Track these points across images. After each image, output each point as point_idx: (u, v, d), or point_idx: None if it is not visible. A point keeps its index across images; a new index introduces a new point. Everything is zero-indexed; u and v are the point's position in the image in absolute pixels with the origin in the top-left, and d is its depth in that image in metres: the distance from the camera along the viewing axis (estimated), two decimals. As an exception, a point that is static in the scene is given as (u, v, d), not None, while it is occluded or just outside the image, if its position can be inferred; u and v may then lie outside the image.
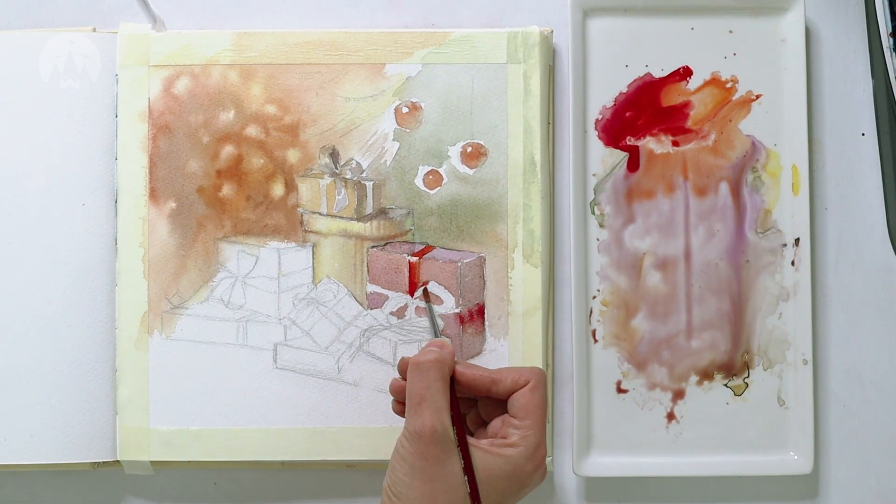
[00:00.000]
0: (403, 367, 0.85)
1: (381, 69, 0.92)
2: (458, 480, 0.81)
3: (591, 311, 0.93)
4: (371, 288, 0.93)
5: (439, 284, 0.92)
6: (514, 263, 0.92)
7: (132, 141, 0.92)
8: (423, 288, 0.91)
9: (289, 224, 0.92)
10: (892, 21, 0.88)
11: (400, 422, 0.86)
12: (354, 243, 0.93)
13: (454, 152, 0.92)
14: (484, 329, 0.92)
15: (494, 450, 0.82)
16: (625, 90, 0.93)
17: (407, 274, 0.92)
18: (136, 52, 0.92)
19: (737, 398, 0.93)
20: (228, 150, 0.92)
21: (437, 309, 0.92)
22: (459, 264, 0.92)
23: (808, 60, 0.94)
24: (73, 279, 0.92)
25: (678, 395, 0.93)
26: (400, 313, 0.92)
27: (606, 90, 0.93)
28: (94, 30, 0.93)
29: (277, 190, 0.92)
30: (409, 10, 0.95)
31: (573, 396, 0.92)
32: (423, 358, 0.82)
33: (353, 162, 0.92)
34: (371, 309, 0.92)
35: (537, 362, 0.92)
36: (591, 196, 0.93)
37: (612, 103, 0.93)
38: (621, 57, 0.93)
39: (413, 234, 0.92)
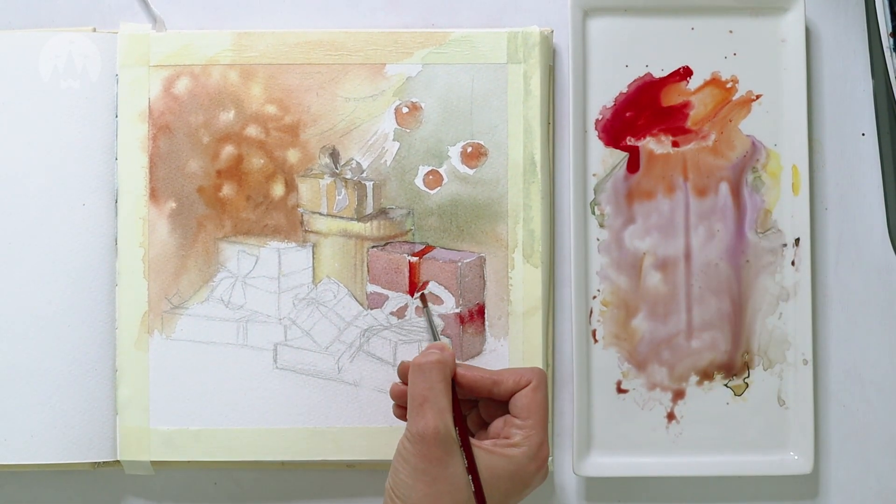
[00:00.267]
0: (404, 371, 0.85)
1: (382, 69, 0.92)
2: (462, 481, 0.81)
3: (591, 311, 0.93)
4: (371, 288, 0.93)
5: (439, 284, 0.92)
6: (515, 263, 0.92)
7: (132, 141, 0.92)
8: (420, 292, 0.91)
9: (289, 224, 0.92)
10: (892, 21, 0.88)
11: (400, 422, 0.86)
12: (354, 243, 0.93)
13: (454, 152, 0.92)
14: (484, 329, 0.92)
15: (497, 450, 0.82)
16: (625, 90, 0.93)
17: (407, 274, 0.92)
18: (137, 52, 0.92)
19: (737, 398, 0.93)
20: (228, 150, 0.92)
21: (437, 309, 0.92)
22: (459, 264, 0.92)
23: (808, 60, 0.94)
24: (73, 279, 0.92)
25: (678, 395, 0.93)
26: (400, 313, 0.92)
27: (606, 90, 0.93)
28: (94, 30, 0.93)
29: (277, 190, 0.92)
30: (410, 10, 0.95)
31: (573, 396, 0.92)
32: (425, 359, 0.82)
33: (354, 162, 0.92)
34: (371, 309, 0.92)
35: (537, 362, 0.92)
36: (591, 196, 0.93)
37: (613, 103, 0.93)
38: (621, 57, 0.93)
39: (413, 234, 0.92)
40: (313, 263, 0.92)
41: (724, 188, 0.93)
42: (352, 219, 0.93)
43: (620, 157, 0.93)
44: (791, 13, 0.93)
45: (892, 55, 0.88)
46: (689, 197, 0.93)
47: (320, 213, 0.93)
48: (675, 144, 0.93)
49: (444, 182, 0.92)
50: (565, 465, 0.94)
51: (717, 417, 0.93)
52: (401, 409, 0.86)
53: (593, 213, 0.93)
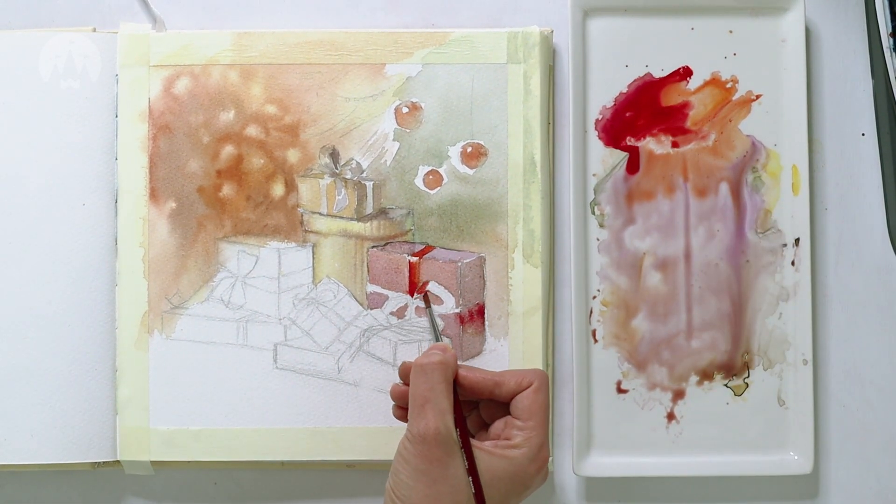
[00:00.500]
0: (405, 372, 0.85)
1: (382, 69, 0.92)
2: (462, 482, 0.81)
3: (591, 311, 0.93)
4: (371, 288, 0.93)
5: (439, 284, 0.92)
6: (515, 263, 0.92)
7: (132, 141, 0.92)
8: (423, 294, 0.91)
9: (289, 224, 0.92)
10: (892, 21, 0.88)
11: (400, 422, 0.86)
12: (354, 243, 0.93)
13: (454, 152, 0.92)
14: (484, 329, 0.92)
15: (498, 451, 0.82)
16: (625, 90, 0.93)
17: (407, 274, 0.92)
18: (137, 52, 0.92)
19: (737, 398, 0.93)
20: (228, 150, 0.92)
21: (437, 309, 0.92)
22: (459, 264, 0.92)
23: (808, 60, 0.94)
24: (73, 279, 0.92)
25: (678, 395, 0.93)
26: (400, 313, 0.92)
27: (606, 90, 0.93)
28: (94, 30, 0.93)
29: (277, 190, 0.92)
30: (410, 10, 0.95)
31: (573, 396, 0.92)
32: (427, 360, 0.82)
33: (354, 162, 0.92)
34: (371, 309, 0.92)
35: (537, 362, 0.92)
36: (591, 196, 0.93)
37: (613, 103, 0.93)
38: (621, 57, 0.93)
39: (413, 234, 0.92)
40: (313, 263, 0.92)
41: (724, 188, 0.93)
42: (352, 219, 0.93)
43: (620, 157, 0.93)
44: (791, 13, 0.93)
45: (892, 55, 0.88)
46: (688, 197, 0.93)
47: (320, 213, 0.93)
48: (674, 145, 0.93)
49: (444, 182, 0.92)
50: (565, 465, 0.94)
51: (717, 417, 0.93)
52: (401, 410, 0.86)
53: (593, 213, 0.93)
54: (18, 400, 0.91)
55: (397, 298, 0.92)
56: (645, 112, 0.93)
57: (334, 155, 0.92)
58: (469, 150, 0.92)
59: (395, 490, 0.81)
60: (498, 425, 0.85)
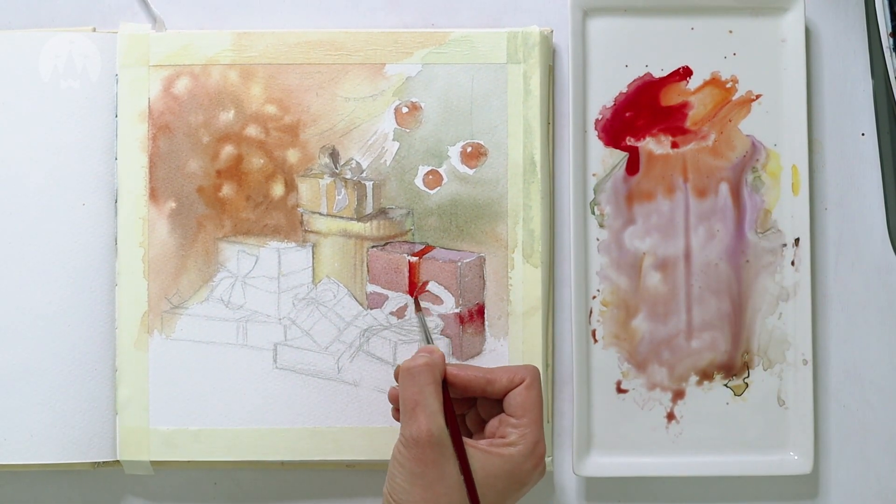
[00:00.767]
0: (398, 375, 0.85)
1: (381, 69, 0.92)
2: (457, 483, 0.81)
3: (591, 312, 0.93)
4: (371, 288, 0.93)
5: (439, 284, 0.92)
6: (514, 263, 0.92)
7: (132, 141, 0.92)
8: (415, 298, 0.91)
9: (289, 224, 0.92)
10: (892, 21, 0.88)
11: (399, 424, 0.86)
12: (354, 243, 0.93)
13: (454, 152, 0.92)
14: (484, 329, 0.92)
15: (493, 450, 0.82)
16: (625, 90, 0.93)
17: (407, 274, 0.92)
18: (136, 52, 0.92)
19: (737, 398, 0.93)
20: (228, 150, 0.92)
21: (436, 308, 0.92)
22: (459, 264, 0.92)
23: (808, 60, 0.94)
24: (73, 279, 0.92)
25: (678, 395, 0.93)
26: (400, 313, 0.92)
27: (606, 90, 0.93)
28: (94, 30, 0.93)
29: (277, 190, 0.92)
30: (409, 10, 0.95)
31: (573, 396, 0.92)
32: (413, 363, 0.83)
33: (353, 162, 0.92)
34: (371, 309, 0.92)
35: (537, 362, 0.92)
36: (591, 196, 0.93)
37: (612, 103, 0.93)
38: (621, 57, 0.93)
39: (413, 234, 0.92)
40: (313, 263, 0.92)
41: (724, 188, 0.93)
42: (351, 219, 0.93)
43: (620, 157, 0.93)
44: (791, 13, 0.93)
45: (892, 55, 0.88)
46: (688, 198, 0.93)
47: (320, 213, 0.93)
48: (674, 145, 0.93)
49: (443, 182, 0.92)
50: (565, 465, 0.94)
51: (717, 417, 0.93)
52: (399, 413, 0.86)
53: (593, 213, 0.93)
54: (18, 400, 0.91)
55: (397, 298, 0.92)
56: (645, 112, 0.93)
57: (334, 155, 0.92)
58: (469, 150, 0.92)
59: (392, 495, 0.81)
60: (493, 423, 0.85)
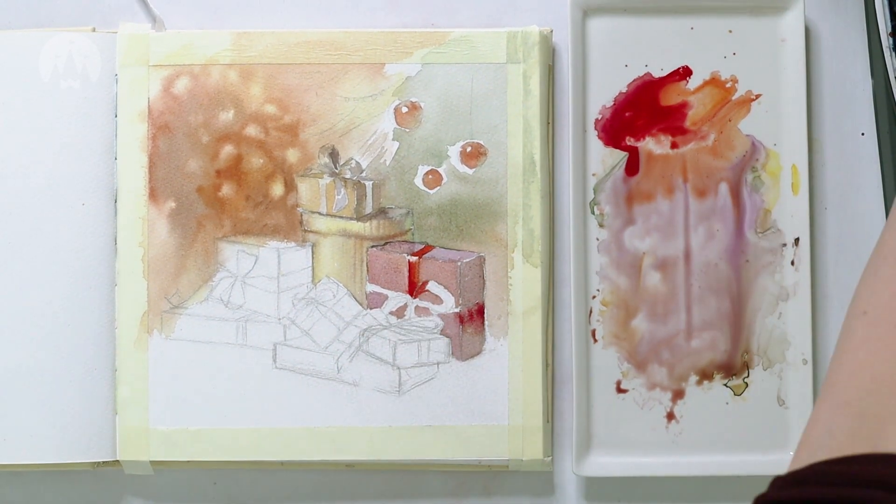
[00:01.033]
0: None
1: (381, 69, 0.92)
2: None
3: (590, 311, 0.93)
4: (370, 287, 0.93)
5: (439, 284, 0.92)
6: (514, 263, 0.92)
7: (132, 141, 0.92)
8: None
9: (288, 224, 0.92)
10: (892, 21, 0.88)
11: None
12: (354, 243, 0.93)
13: (454, 152, 0.92)
14: (483, 329, 0.92)
15: None
16: (624, 90, 0.93)
17: (406, 274, 0.92)
18: (136, 51, 0.92)
19: (737, 398, 0.93)
20: (228, 149, 0.92)
21: (436, 308, 0.92)
22: (459, 264, 0.92)
23: (808, 60, 0.94)
24: (73, 279, 0.92)
25: (678, 394, 0.93)
26: (399, 313, 0.92)
27: (606, 90, 0.93)
28: (94, 30, 0.93)
29: (277, 190, 0.92)
30: (409, 9, 0.95)
31: (573, 396, 0.92)
32: None
33: (353, 161, 0.92)
34: (370, 309, 0.92)
35: (537, 362, 0.91)
36: (590, 196, 0.93)
37: (612, 103, 0.93)
38: (621, 56, 0.93)
39: (413, 234, 0.92)
40: (313, 263, 0.92)
41: (724, 188, 0.93)
42: (351, 218, 0.93)
43: (620, 156, 0.93)
44: (791, 13, 0.93)
45: (891, 55, 0.88)
46: (688, 198, 0.93)
47: (320, 213, 0.93)
48: (673, 145, 0.93)
49: (443, 182, 0.92)
50: (565, 465, 0.94)
51: (717, 417, 0.93)
52: None
53: (593, 212, 0.93)
54: (18, 400, 0.91)
55: (397, 298, 0.92)
56: (644, 112, 0.93)
57: (334, 154, 0.92)
58: (468, 149, 0.92)
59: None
60: None
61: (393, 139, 0.92)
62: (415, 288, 0.92)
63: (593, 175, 0.93)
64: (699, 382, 0.93)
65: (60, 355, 0.91)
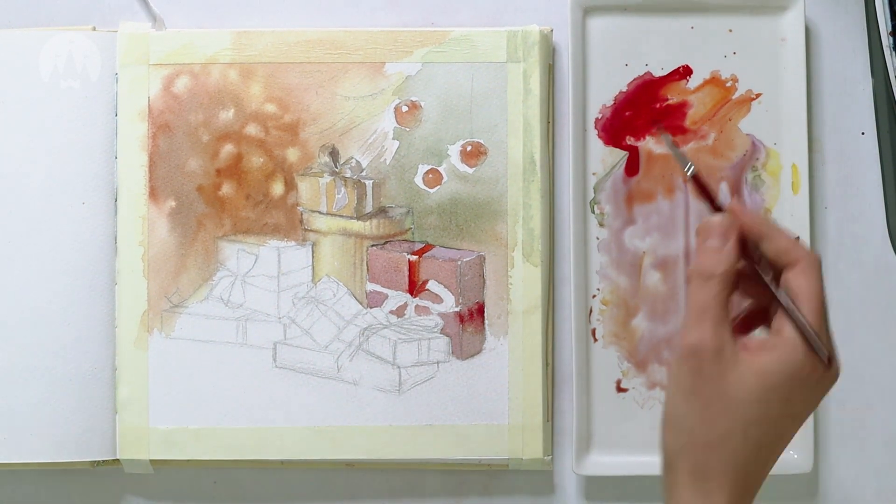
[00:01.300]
0: (709, 228, 0.72)
1: (381, 68, 0.92)
2: (738, 401, 0.69)
3: (590, 310, 0.93)
4: (371, 286, 0.93)
5: (439, 283, 0.92)
6: (514, 262, 0.92)
7: (132, 140, 0.92)
8: (658, 126, 0.87)
9: (288, 223, 0.92)
10: (892, 20, 0.88)
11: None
12: (354, 242, 0.93)
13: (454, 151, 0.92)
14: (484, 328, 0.92)
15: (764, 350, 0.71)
16: (624, 89, 0.93)
17: (406, 273, 0.92)
18: (136, 51, 0.92)
19: (737, 397, 0.93)
20: (228, 148, 0.92)
21: (436, 307, 0.92)
22: (459, 263, 0.92)
23: (808, 59, 0.94)
24: (72, 278, 0.92)
25: (678, 394, 0.93)
26: (399, 312, 0.92)
27: (606, 89, 0.93)
28: (94, 29, 0.93)
29: (277, 189, 0.92)
30: (409, 8, 0.95)
31: (573, 395, 0.92)
32: (710, 268, 0.70)
33: (353, 160, 0.92)
34: (370, 307, 0.92)
35: (537, 361, 0.91)
36: (590, 195, 0.93)
37: (612, 102, 0.93)
38: (621, 56, 0.93)
39: (413, 233, 0.92)
40: (313, 262, 0.92)
41: (724, 188, 0.93)
42: (351, 217, 0.93)
43: (620, 156, 0.93)
44: (791, 12, 0.93)
45: (891, 54, 0.88)
46: (688, 197, 0.93)
47: (320, 212, 0.93)
48: (674, 145, 0.93)
49: (443, 181, 0.92)
50: (565, 464, 0.94)
51: (717, 416, 0.93)
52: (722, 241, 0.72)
53: (593, 211, 0.93)
54: (18, 399, 0.91)
55: (397, 297, 0.92)
56: (644, 111, 0.93)
57: (334, 153, 0.92)
58: (468, 148, 0.92)
59: (669, 420, 0.72)
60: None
61: (393, 138, 0.92)
62: (415, 287, 0.92)
63: (593, 174, 0.93)
64: (699, 382, 0.93)
65: (60, 354, 0.91)
